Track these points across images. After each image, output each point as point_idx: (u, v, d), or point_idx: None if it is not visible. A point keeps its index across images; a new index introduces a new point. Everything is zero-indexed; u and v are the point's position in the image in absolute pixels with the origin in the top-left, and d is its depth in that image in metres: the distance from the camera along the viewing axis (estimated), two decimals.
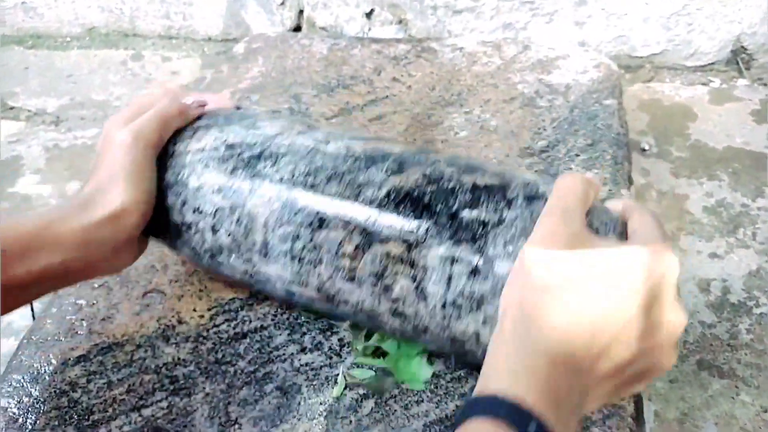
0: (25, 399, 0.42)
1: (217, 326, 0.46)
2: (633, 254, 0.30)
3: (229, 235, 0.40)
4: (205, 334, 0.45)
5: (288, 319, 0.46)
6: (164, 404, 0.41)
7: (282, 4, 1.29)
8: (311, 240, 0.38)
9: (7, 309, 0.37)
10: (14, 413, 0.42)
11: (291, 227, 0.39)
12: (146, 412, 0.41)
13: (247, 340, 0.45)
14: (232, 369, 0.43)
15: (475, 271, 0.34)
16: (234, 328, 0.46)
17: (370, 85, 0.70)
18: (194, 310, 0.47)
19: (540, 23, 1.18)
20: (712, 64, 1.16)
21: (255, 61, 0.75)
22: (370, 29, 1.21)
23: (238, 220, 0.40)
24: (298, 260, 0.39)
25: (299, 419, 0.40)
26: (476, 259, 0.34)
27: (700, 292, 0.76)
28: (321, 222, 0.38)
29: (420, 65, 0.72)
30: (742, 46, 1.14)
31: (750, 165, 0.93)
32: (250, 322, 0.46)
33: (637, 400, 0.42)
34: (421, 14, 1.18)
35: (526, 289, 0.30)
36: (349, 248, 0.37)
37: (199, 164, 0.42)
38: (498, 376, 0.28)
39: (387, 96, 0.68)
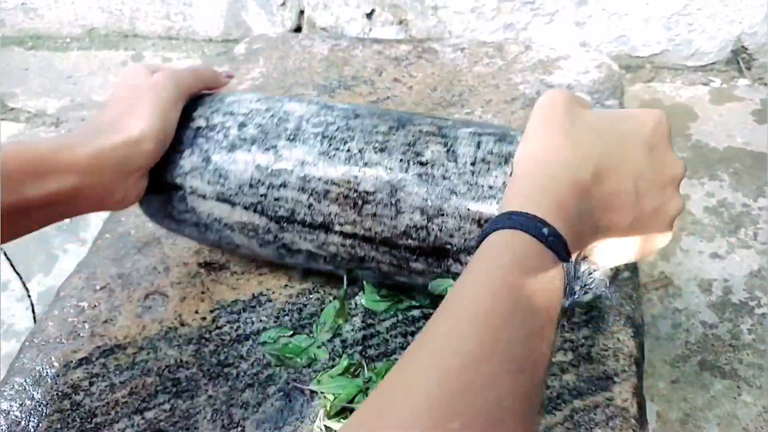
0: (28, 402, 0.42)
1: (220, 328, 0.46)
2: (637, 114, 0.36)
3: (258, 126, 0.43)
4: (207, 336, 0.45)
5: (291, 320, 0.46)
6: (167, 407, 0.41)
7: (283, 4, 1.29)
8: (346, 125, 0.42)
9: (13, 235, 0.37)
10: (17, 416, 0.42)
11: (327, 118, 0.43)
12: (149, 414, 0.41)
13: (250, 342, 0.45)
14: (234, 371, 0.43)
15: (502, 138, 0.40)
16: (236, 330, 0.46)
17: (371, 86, 0.70)
18: (196, 312, 0.47)
19: (541, 23, 1.18)
20: (713, 64, 1.16)
21: (256, 61, 0.75)
22: (370, 30, 1.21)
23: (272, 115, 0.43)
24: (329, 139, 0.42)
25: (302, 421, 0.40)
26: (500, 131, 0.41)
27: (701, 293, 0.76)
28: (356, 115, 0.43)
29: (421, 66, 0.72)
30: (743, 46, 1.14)
31: (751, 165, 0.93)
32: (253, 324, 0.46)
33: (640, 401, 0.42)
34: (421, 14, 1.18)
35: (545, 135, 0.34)
36: (383, 128, 0.42)
37: (238, 95, 0.46)
38: (512, 201, 0.32)
39: (388, 97, 0.68)
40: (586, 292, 0.33)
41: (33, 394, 0.43)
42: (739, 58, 1.15)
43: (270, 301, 0.47)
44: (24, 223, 0.38)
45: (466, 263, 0.40)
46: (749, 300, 0.74)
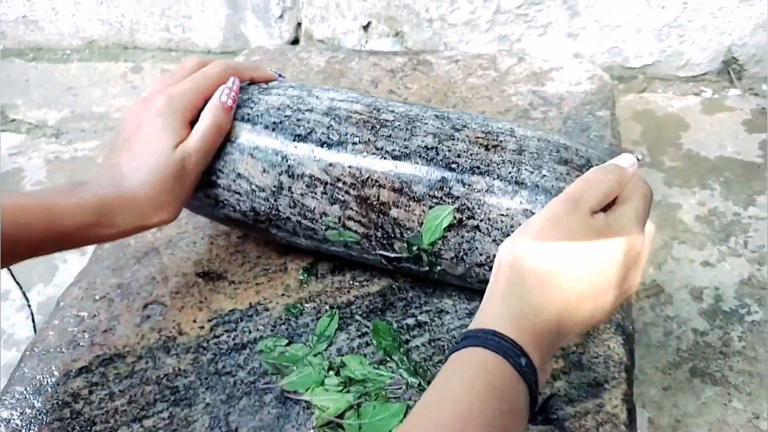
0: (28, 410, 0.43)
1: (217, 337, 0.47)
2: (613, 248, 0.35)
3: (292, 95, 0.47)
4: (205, 345, 0.46)
5: (287, 329, 0.47)
6: (165, 415, 0.42)
7: (280, 17, 1.30)
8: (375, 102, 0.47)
9: (14, 260, 0.41)
10: (17, 425, 0.42)
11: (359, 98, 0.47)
12: (148, 422, 0.42)
13: (247, 350, 0.46)
14: (232, 379, 0.44)
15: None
16: (234, 339, 0.46)
17: None
18: (194, 321, 0.48)
19: (534, 35, 1.19)
20: (704, 74, 1.18)
21: None
22: (367, 42, 1.22)
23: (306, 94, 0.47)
24: (361, 99, 0.46)
25: (298, 429, 0.41)
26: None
27: (692, 300, 0.77)
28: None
29: (416, 78, 0.73)
30: (733, 57, 1.16)
31: (741, 174, 0.95)
32: (250, 333, 0.47)
33: (630, 408, 0.42)
34: (417, 27, 1.20)
35: (521, 260, 0.34)
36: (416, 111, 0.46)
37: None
38: (492, 320, 0.33)
39: None
40: (545, 423, 0.33)
41: (33, 403, 0.43)
42: (730, 69, 1.16)
43: (267, 310, 0.48)
44: (31, 254, 0.41)
45: (469, 185, 0.42)
46: (740, 308, 0.75)
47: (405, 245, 0.44)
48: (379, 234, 0.44)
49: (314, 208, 0.45)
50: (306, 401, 0.42)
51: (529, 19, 1.18)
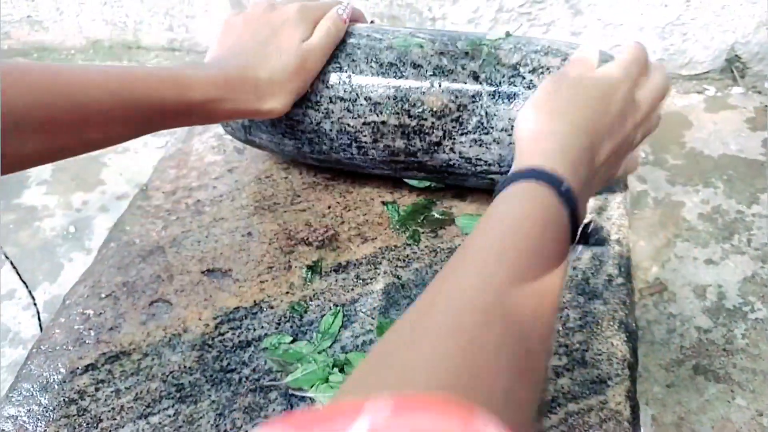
0: (35, 407, 0.43)
1: (222, 335, 0.47)
2: (600, 81, 0.41)
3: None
4: (210, 342, 0.47)
5: (292, 327, 0.47)
6: (171, 412, 0.42)
7: None
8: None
9: (145, 131, 0.44)
10: (24, 421, 0.43)
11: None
12: (153, 419, 0.42)
13: (252, 348, 0.46)
14: (237, 377, 0.44)
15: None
16: (238, 337, 0.47)
17: None
18: (199, 318, 0.48)
19: (537, 33, 1.20)
20: (707, 72, 1.18)
21: None
22: None
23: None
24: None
25: None
26: None
27: (696, 298, 0.77)
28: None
29: None
30: (736, 55, 1.16)
31: (745, 172, 0.95)
32: (254, 330, 0.47)
33: (633, 405, 0.43)
34: (420, 26, 1.20)
35: (531, 110, 0.39)
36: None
37: None
38: (530, 159, 0.36)
39: None
40: (586, 247, 0.36)
41: (40, 400, 0.44)
42: (733, 67, 1.16)
43: (271, 308, 0.48)
44: (161, 124, 0.44)
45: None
46: (743, 305, 0.75)
47: (467, 43, 0.49)
48: (444, 38, 0.50)
49: (388, 29, 0.51)
50: (310, 398, 0.42)
51: (532, 18, 1.18)
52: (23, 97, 0.37)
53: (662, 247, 0.83)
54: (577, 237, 0.35)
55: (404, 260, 0.51)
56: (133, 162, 1.12)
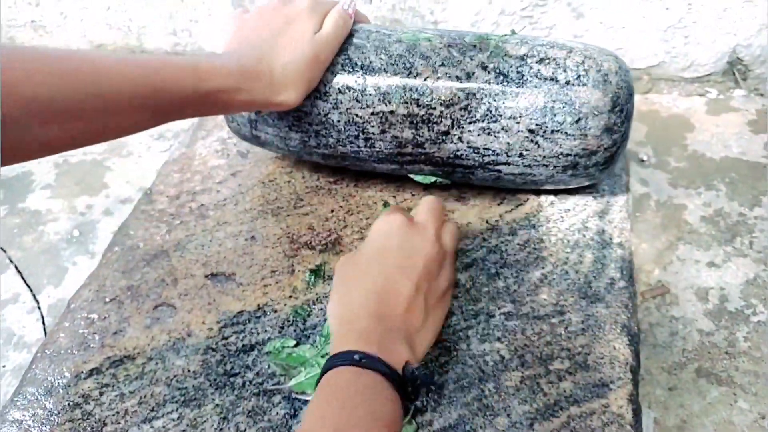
0: (40, 411, 0.44)
1: (226, 339, 0.47)
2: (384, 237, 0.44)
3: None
4: (214, 346, 0.47)
5: (295, 331, 0.47)
6: (175, 415, 0.43)
7: None
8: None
9: (163, 120, 0.44)
10: (29, 425, 0.43)
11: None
12: (158, 423, 0.42)
13: (255, 352, 0.46)
14: (240, 380, 0.44)
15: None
16: (242, 341, 0.47)
17: None
18: (203, 323, 0.48)
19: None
20: (709, 75, 1.18)
21: None
22: None
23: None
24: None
25: None
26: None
27: (698, 301, 0.77)
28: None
29: None
30: (738, 58, 1.16)
31: (747, 174, 0.95)
32: (258, 334, 0.47)
33: (636, 408, 0.43)
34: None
35: (340, 296, 0.43)
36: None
37: None
38: (334, 349, 0.39)
39: None
40: (419, 389, 0.38)
41: (45, 404, 0.44)
42: (735, 70, 1.16)
43: (275, 311, 0.49)
44: (178, 113, 0.44)
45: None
46: (745, 308, 0.75)
47: (476, 38, 0.50)
48: (452, 34, 0.51)
49: (396, 27, 0.52)
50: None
51: (534, 21, 1.18)
52: (46, 84, 0.37)
53: (664, 249, 0.84)
54: (404, 385, 0.37)
55: None
56: (137, 166, 1.12)
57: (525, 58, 0.49)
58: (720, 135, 1.03)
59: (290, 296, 0.50)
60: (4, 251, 0.93)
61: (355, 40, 0.51)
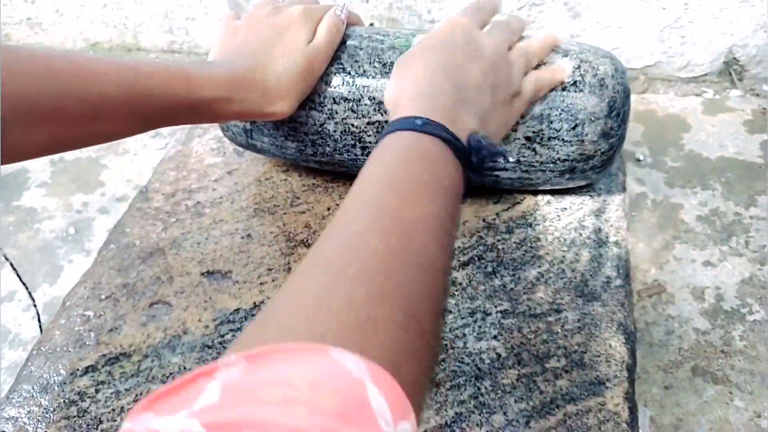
0: (35, 409, 0.43)
1: (222, 336, 0.47)
2: (449, 30, 0.43)
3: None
4: (210, 344, 0.47)
5: None
6: None
7: None
8: None
9: (155, 126, 0.44)
10: (24, 423, 0.43)
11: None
12: None
13: None
14: None
15: None
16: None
17: None
18: (199, 320, 0.48)
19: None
20: (705, 75, 1.18)
21: None
22: None
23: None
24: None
25: None
26: None
27: (694, 300, 0.77)
28: None
29: None
30: (735, 58, 1.16)
31: (743, 174, 0.95)
32: None
33: (632, 406, 0.43)
34: (420, 28, 1.21)
35: (396, 73, 0.42)
36: None
37: None
38: (393, 114, 0.38)
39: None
40: (484, 160, 0.36)
41: (40, 402, 0.44)
42: (731, 70, 1.17)
43: None
44: (170, 121, 0.44)
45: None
46: (741, 307, 0.76)
47: None
48: None
49: (389, 31, 0.51)
50: None
51: (531, 20, 1.19)
52: (32, 85, 0.36)
53: (660, 249, 0.84)
54: (469, 154, 0.36)
55: None
56: (133, 164, 1.12)
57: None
58: (716, 135, 1.03)
59: None
60: (0, 249, 0.93)
61: (348, 47, 0.50)
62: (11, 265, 0.89)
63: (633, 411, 0.43)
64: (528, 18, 1.18)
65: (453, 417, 0.41)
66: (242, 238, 0.55)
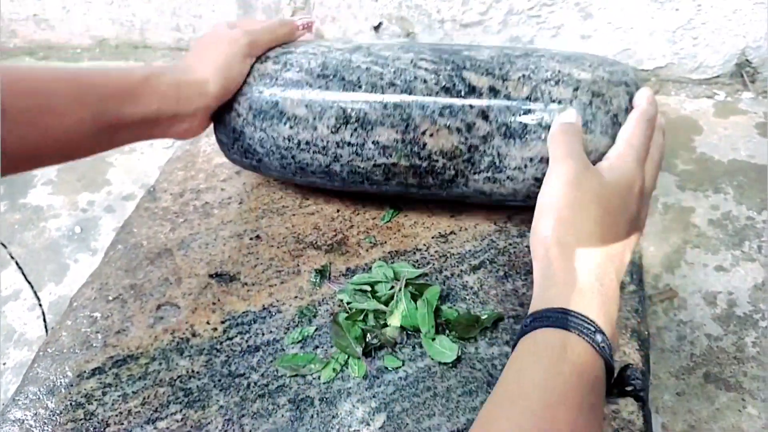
0: (42, 411, 0.43)
1: (231, 339, 0.47)
2: (619, 184, 0.38)
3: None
4: (218, 347, 0.46)
5: (300, 332, 0.47)
6: (179, 417, 0.42)
7: (291, 17, 1.30)
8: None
9: (107, 147, 0.46)
10: (31, 425, 0.42)
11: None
12: (161, 424, 0.42)
13: (260, 352, 0.45)
14: (245, 382, 0.44)
15: None
16: (247, 341, 0.46)
17: None
18: (207, 323, 0.48)
19: (546, 36, 1.19)
20: (717, 77, 1.17)
21: None
22: None
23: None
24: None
25: None
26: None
27: (706, 305, 0.76)
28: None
29: None
30: (747, 60, 1.15)
31: (755, 178, 0.94)
32: (263, 335, 0.47)
33: (645, 414, 0.42)
34: (428, 28, 1.20)
35: (566, 234, 0.35)
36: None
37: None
38: (558, 298, 0.32)
39: None
40: (621, 395, 0.34)
41: (47, 404, 0.43)
42: (743, 72, 1.15)
43: (280, 312, 0.48)
44: (118, 139, 0.45)
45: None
46: (753, 313, 0.74)
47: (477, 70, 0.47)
48: (448, 68, 0.48)
49: (388, 55, 0.49)
50: (319, 401, 0.42)
51: (542, 21, 1.18)
52: None
53: (672, 253, 0.83)
54: (612, 383, 0.32)
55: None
56: (140, 162, 1.12)
57: (528, 100, 0.46)
58: (728, 138, 1.02)
59: (296, 296, 0.49)
60: (5, 247, 0.93)
61: (346, 84, 0.48)
62: (16, 263, 0.89)
63: (647, 419, 0.42)
64: (539, 18, 1.17)
65: (465, 423, 0.40)
66: (251, 239, 0.54)
